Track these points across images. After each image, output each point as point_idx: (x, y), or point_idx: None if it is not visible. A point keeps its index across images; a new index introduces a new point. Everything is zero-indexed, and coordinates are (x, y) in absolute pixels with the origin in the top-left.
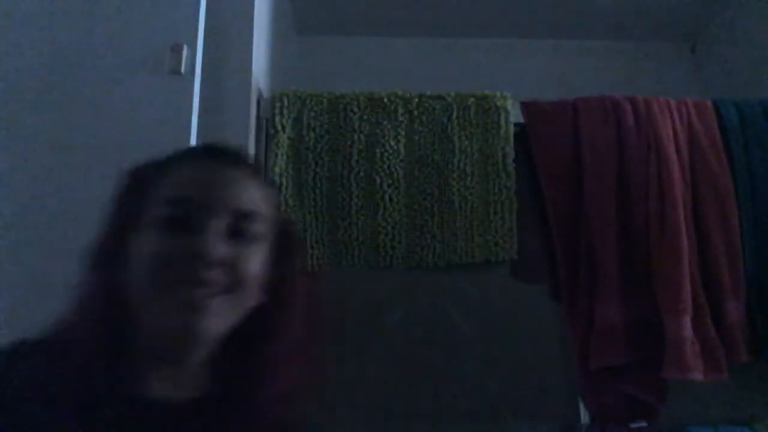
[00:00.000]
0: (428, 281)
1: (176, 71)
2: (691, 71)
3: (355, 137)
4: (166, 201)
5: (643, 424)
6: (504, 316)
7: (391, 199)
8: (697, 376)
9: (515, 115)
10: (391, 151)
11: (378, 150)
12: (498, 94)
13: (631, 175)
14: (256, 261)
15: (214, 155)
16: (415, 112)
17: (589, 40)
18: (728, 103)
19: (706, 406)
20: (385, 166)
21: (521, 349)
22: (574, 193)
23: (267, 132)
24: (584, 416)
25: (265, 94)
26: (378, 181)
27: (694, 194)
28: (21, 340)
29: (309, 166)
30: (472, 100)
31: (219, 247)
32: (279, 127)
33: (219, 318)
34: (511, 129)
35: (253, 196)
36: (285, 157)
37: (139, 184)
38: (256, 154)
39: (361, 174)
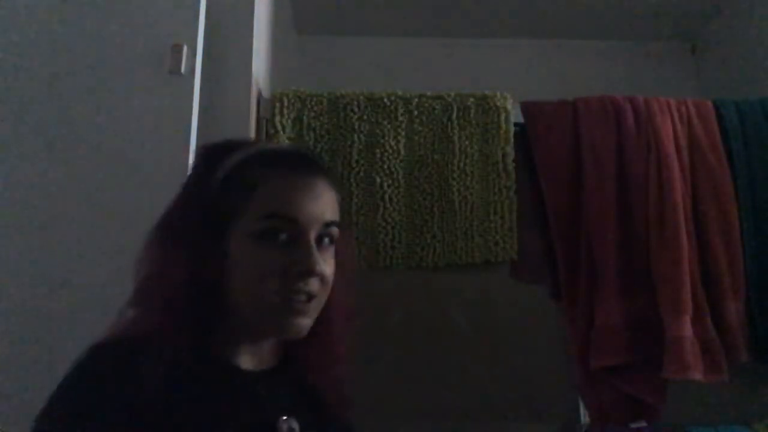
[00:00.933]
0: (428, 281)
1: (176, 71)
2: (691, 71)
3: (355, 137)
4: (268, 215)
5: (643, 424)
6: (504, 316)
7: (391, 199)
8: (697, 376)
9: (515, 115)
10: (391, 151)
11: (378, 150)
12: (498, 94)
13: (631, 175)
14: (333, 264)
15: (302, 165)
16: (415, 112)
17: (589, 40)
18: (728, 103)
19: (706, 406)
20: (385, 166)
21: (521, 350)
22: (574, 193)
23: (267, 132)
24: (584, 416)
25: (265, 94)
26: (378, 181)
27: (694, 194)
28: (108, 337)
29: None
30: (472, 100)
31: (320, 261)
32: (279, 127)
33: (313, 316)
34: (511, 129)
35: (332, 205)
36: None
37: (231, 184)
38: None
39: (361, 174)
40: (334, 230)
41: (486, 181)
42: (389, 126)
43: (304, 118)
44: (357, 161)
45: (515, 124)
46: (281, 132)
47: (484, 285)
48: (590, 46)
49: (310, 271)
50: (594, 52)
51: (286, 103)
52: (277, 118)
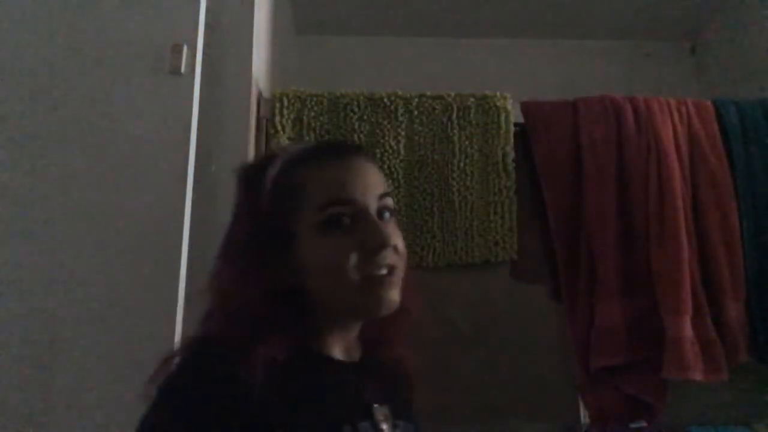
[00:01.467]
0: (428, 281)
1: (176, 71)
2: (691, 71)
3: (355, 137)
4: (327, 203)
5: (643, 424)
6: (504, 316)
7: None
8: (697, 376)
9: (515, 115)
10: (391, 151)
11: (378, 150)
12: (498, 94)
13: (631, 175)
14: (400, 234)
15: (339, 150)
16: (415, 112)
17: (589, 40)
18: (728, 103)
19: (706, 406)
20: (385, 166)
21: (521, 349)
22: (574, 193)
23: (267, 132)
24: (584, 416)
25: (265, 94)
26: None
27: (694, 194)
28: (193, 342)
29: None
30: (472, 100)
31: (390, 233)
32: (279, 127)
33: (398, 289)
34: (511, 129)
35: (381, 178)
36: None
37: (283, 188)
38: (256, 154)
39: None
40: (389, 201)
41: (486, 181)
42: (389, 126)
43: (304, 118)
44: None
45: (515, 124)
46: (281, 132)
47: (484, 285)
48: (590, 46)
49: (383, 245)
50: (594, 52)
51: (286, 103)
52: (277, 118)
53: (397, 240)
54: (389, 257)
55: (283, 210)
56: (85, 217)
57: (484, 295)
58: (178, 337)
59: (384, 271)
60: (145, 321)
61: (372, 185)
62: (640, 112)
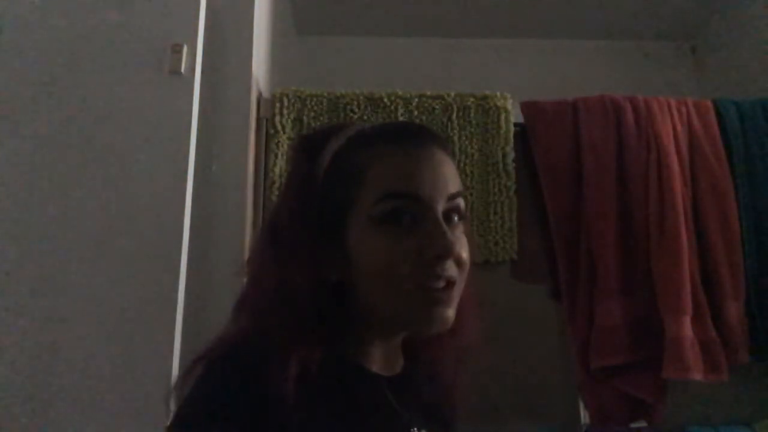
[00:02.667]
0: None
1: (176, 71)
2: (691, 71)
3: None
4: (388, 195)
5: (643, 424)
6: (504, 316)
7: None
8: (697, 376)
9: (515, 115)
10: None
11: None
12: (498, 94)
13: (631, 175)
14: (466, 243)
15: (411, 135)
16: (415, 112)
17: (589, 40)
18: (728, 103)
19: (706, 406)
20: None
21: (521, 349)
22: (574, 193)
23: (267, 132)
24: (584, 416)
25: (265, 94)
26: None
27: (694, 194)
28: (226, 345)
29: None
30: (472, 100)
31: (454, 241)
32: (279, 127)
33: (455, 304)
34: (511, 129)
35: (454, 174)
36: (285, 157)
37: (339, 172)
38: (256, 154)
39: None
40: (461, 202)
41: (486, 181)
42: None
43: (304, 118)
44: None
45: (515, 124)
46: (281, 132)
47: (484, 285)
48: (590, 46)
49: (446, 253)
50: (594, 52)
51: (286, 103)
52: (277, 118)
53: (462, 249)
54: (450, 269)
55: (338, 192)
56: (85, 217)
57: (484, 295)
58: (178, 336)
59: (441, 284)
60: (145, 321)
61: (444, 181)
62: (640, 112)
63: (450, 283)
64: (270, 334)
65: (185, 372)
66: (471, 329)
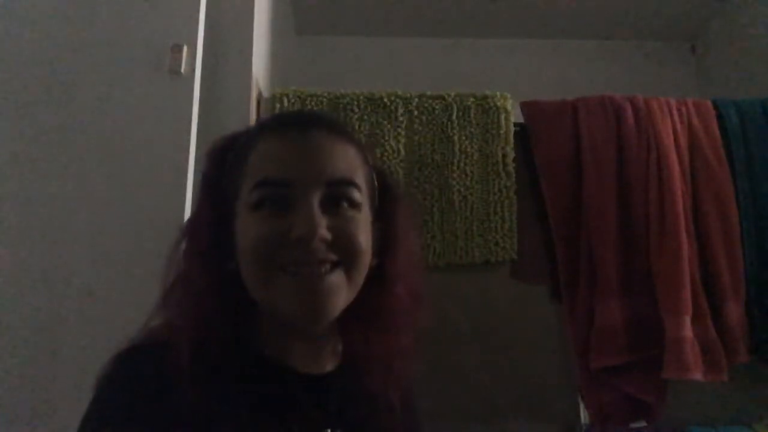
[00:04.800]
0: (428, 281)
1: (176, 71)
2: (691, 71)
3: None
4: (256, 183)
5: (643, 424)
6: (504, 316)
7: None
8: (697, 376)
9: (515, 115)
10: (391, 151)
11: (378, 150)
12: (498, 94)
13: (631, 175)
14: (360, 230)
15: (296, 123)
16: (415, 112)
17: (589, 40)
18: (728, 103)
19: (706, 406)
20: (385, 166)
21: (521, 349)
22: (574, 193)
23: None
24: (584, 416)
25: (265, 94)
26: None
27: (694, 194)
28: (135, 340)
29: None
30: (472, 100)
31: (322, 221)
32: None
33: (337, 293)
34: (511, 129)
35: (344, 161)
36: None
37: (226, 164)
38: None
39: None
40: (352, 191)
41: (486, 181)
42: (389, 126)
43: None
44: None
45: (515, 124)
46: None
47: (484, 285)
48: (590, 46)
49: (309, 234)
50: (594, 52)
51: (286, 103)
52: None
53: (342, 233)
54: (320, 252)
55: (226, 185)
56: (86, 216)
57: (484, 295)
58: None
59: (312, 270)
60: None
61: (322, 165)
62: (640, 112)
63: (328, 269)
64: (176, 329)
65: (100, 370)
66: (402, 330)
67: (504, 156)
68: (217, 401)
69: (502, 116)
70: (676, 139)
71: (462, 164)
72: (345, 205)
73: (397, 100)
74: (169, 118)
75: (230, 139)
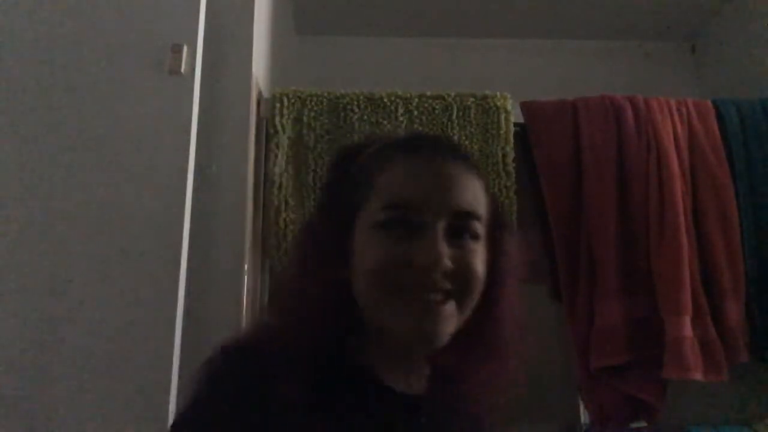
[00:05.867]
0: None
1: (176, 71)
2: (691, 71)
3: (355, 137)
4: (387, 204)
5: (643, 424)
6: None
7: None
8: (697, 376)
9: (515, 115)
10: None
11: None
12: (498, 94)
13: (631, 175)
14: (478, 262)
15: (428, 147)
16: (415, 112)
17: (589, 40)
18: (728, 103)
19: (706, 406)
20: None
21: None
22: (574, 193)
23: (267, 132)
24: (584, 416)
25: (265, 94)
26: None
27: (694, 194)
28: (240, 339)
29: (309, 166)
30: (472, 100)
31: (446, 252)
32: (279, 127)
33: (450, 322)
34: (511, 129)
35: (471, 193)
36: (285, 157)
37: (350, 175)
38: (256, 154)
39: None
40: (475, 225)
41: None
42: (389, 126)
43: (304, 118)
44: None
45: (515, 124)
46: (281, 132)
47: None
48: (590, 46)
49: (431, 264)
50: (594, 52)
51: (286, 103)
52: (277, 118)
53: (464, 264)
54: (440, 281)
55: (352, 197)
56: (85, 217)
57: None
58: (178, 337)
59: (429, 297)
60: (145, 321)
61: (451, 197)
62: (640, 112)
63: (445, 298)
64: (284, 330)
65: (204, 364)
66: (507, 358)
67: (504, 156)
68: (317, 410)
69: (502, 116)
70: (676, 139)
71: None
72: (467, 236)
73: (397, 100)
74: (169, 118)
75: (355, 149)
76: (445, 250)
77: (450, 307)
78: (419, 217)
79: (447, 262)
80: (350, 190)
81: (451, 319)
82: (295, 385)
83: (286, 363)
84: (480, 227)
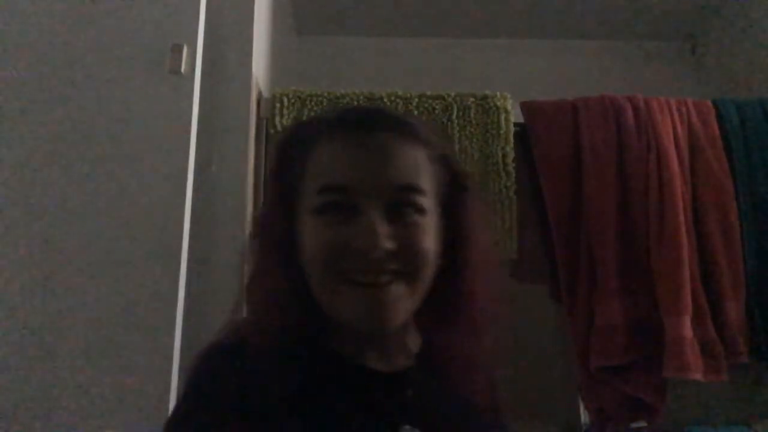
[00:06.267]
0: None
1: (176, 71)
2: (691, 71)
3: None
4: (320, 188)
5: (643, 424)
6: (504, 316)
7: None
8: (697, 376)
9: (515, 115)
10: None
11: None
12: (498, 94)
13: (631, 175)
14: (425, 237)
15: (361, 123)
16: (415, 112)
17: (589, 40)
18: (728, 103)
19: (706, 406)
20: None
21: (521, 349)
22: (574, 193)
23: (267, 132)
24: (584, 416)
25: (265, 94)
26: None
27: (694, 194)
28: (216, 341)
29: None
30: (472, 100)
31: (385, 231)
32: (279, 127)
33: (401, 302)
34: (511, 129)
35: (410, 165)
36: None
37: (291, 162)
38: (256, 155)
39: None
40: (416, 197)
41: (486, 181)
42: None
43: (304, 118)
44: None
45: (515, 124)
46: (281, 132)
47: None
48: (590, 46)
49: (370, 246)
50: (594, 52)
51: (286, 103)
52: (277, 118)
53: (408, 242)
54: (382, 262)
55: (290, 186)
56: (85, 217)
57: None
58: (178, 336)
59: (370, 278)
60: (145, 321)
61: (386, 173)
62: (640, 112)
63: (390, 279)
64: (254, 327)
65: (187, 367)
66: (480, 332)
67: (504, 156)
68: (294, 399)
69: (502, 116)
70: (676, 139)
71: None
72: (410, 211)
73: (397, 100)
74: (169, 118)
75: (293, 131)
76: (384, 230)
77: (398, 287)
78: (354, 199)
79: (386, 243)
80: (289, 176)
81: (400, 299)
82: (268, 379)
83: (258, 359)
84: (425, 200)
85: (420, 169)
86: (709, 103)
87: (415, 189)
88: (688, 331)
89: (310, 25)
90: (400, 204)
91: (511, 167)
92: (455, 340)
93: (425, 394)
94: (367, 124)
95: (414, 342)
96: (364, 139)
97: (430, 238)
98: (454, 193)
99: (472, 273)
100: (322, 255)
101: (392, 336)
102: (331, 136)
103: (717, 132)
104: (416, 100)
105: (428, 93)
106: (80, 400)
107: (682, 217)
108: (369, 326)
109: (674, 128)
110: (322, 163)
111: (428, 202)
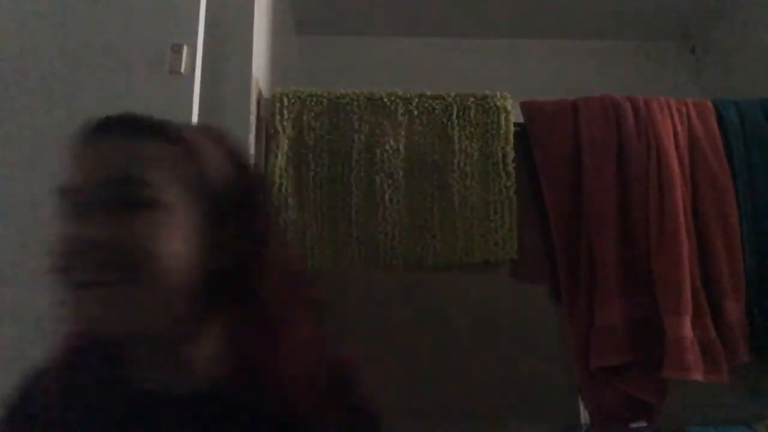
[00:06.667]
0: (428, 281)
1: (176, 71)
2: (691, 71)
3: (355, 137)
4: (58, 193)
5: (643, 424)
6: (504, 316)
7: (391, 200)
8: (697, 376)
9: (515, 115)
10: (391, 151)
11: (378, 150)
12: (498, 94)
13: (631, 175)
14: (148, 232)
15: (94, 128)
16: (415, 112)
17: (589, 40)
18: (728, 103)
19: (706, 406)
20: (385, 166)
21: (521, 350)
22: (574, 193)
23: (267, 132)
24: (584, 416)
25: (265, 94)
26: (378, 181)
27: (694, 194)
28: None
29: (309, 166)
30: (472, 100)
31: (93, 232)
32: (279, 127)
33: (128, 304)
34: (511, 129)
35: (125, 159)
36: (285, 157)
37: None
38: (256, 154)
39: (361, 174)
40: (139, 191)
41: (486, 181)
42: (389, 126)
43: (304, 118)
44: (357, 161)
45: (515, 124)
46: (281, 132)
47: (484, 285)
48: (590, 46)
49: (70, 251)
50: (594, 52)
51: (286, 103)
52: (277, 118)
53: (123, 238)
54: (88, 263)
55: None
56: None
57: (484, 295)
58: None
59: (84, 280)
60: None
61: (97, 168)
62: (640, 112)
63: (101, 280)
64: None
65: None
66: (291, 328)
67: (504, 156)
68: (63, 423)
69: (502, 116)
70: (676, 139)
71: (462, 164)
72: (135, 207)
73: (397, 100)
74: (169, 118)
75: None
76: (92, 231)
77: (121, 288)
78: (78, 198)
79: (89, 244)
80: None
81: (125, 300)
82: (43, 399)
83: (40, 378)
84: (152, 192)
85: (144, 162)
86: (709, 103)
87: (133, 180)
88: (688, 331)
89: (310, 25)
90: (119, 198)
91: (511, 167)
92: (254, 353)
93: (234, 419)
94: (98, 129)
95: (214, 358)
96: (87, 141)
97: (162, 234)
98: (234, 194)
99: (263, 277)
100: (53, 262)
101: (174, 350)
102: (71, 142)
103: (717, 132)
104: (416, 100)
105: (428, 93)
106: None
107: (682, 217)
108: (92, 331)
109: (674, 128)
110: (61, 170)
111: (167, 197)
